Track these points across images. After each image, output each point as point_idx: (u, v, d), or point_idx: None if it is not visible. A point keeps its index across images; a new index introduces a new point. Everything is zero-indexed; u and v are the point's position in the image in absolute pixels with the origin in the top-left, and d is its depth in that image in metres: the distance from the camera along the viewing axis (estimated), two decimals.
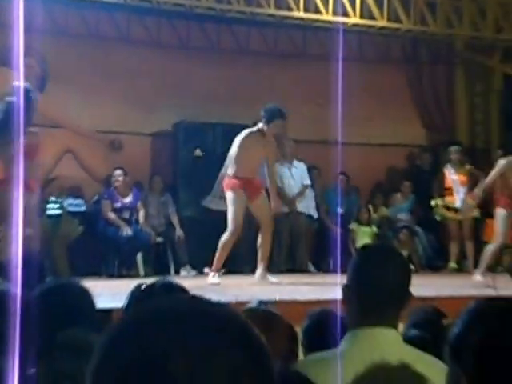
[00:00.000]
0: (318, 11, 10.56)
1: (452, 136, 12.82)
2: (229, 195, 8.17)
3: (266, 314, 3.20)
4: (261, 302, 3.32)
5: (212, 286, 7.84)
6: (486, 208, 10.05)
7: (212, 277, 8.15)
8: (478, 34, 11.77)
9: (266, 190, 8.46)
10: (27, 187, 6.37)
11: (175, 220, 10.75)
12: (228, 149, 8.22)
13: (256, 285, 8.03)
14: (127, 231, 10.12)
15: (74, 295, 3.14)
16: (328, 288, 5.80)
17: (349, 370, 2.29)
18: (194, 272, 10.27)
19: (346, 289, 2.57)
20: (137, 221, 10.37)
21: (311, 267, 10.91)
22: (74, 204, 10.40)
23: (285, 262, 10.71)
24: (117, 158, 10.63)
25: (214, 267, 8.21)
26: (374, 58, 12.63)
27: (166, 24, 11.64)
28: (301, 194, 10.96)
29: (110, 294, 6.34)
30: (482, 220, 10.91)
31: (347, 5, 10.72)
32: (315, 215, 11.23)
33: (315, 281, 8.61)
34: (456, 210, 10.70)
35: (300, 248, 11.06)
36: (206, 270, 8.34)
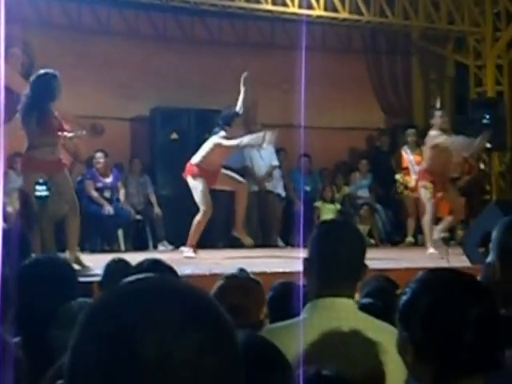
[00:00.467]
0: (285, 4, 10.54)
1: (409, 120, 12.90)
2: (190, 181, 8.18)
3: (245, 282, 3.18)
4: (241, 270, 3.31)
5: (187, 259, 7.87)
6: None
7: (187, 251, 8.17)
8: (433, 26, 11.81)
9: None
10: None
11: (153, 199, 10.75)
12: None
13: (228, 258, 8.07)
14: (109, 209, 10.11)
15: (58, 268, 3.16)
16: (294, 261, 5.83)
17: (309, 336, 2.34)
18: (170, 247, 10.27)
19: (306, 262, 2.56)
20: (118, 199, 10.36)
21: (280, 242, 10.95)
22: None
23: (255, 238, 10.74)
24: (99, 142, 10.58)
25: (188, 243, 8.24)
26: (336, 48, 12.65)
27: (143, 16, 11.59)
28: (269, 174, 10.97)
29: (93, 267, 6.37)
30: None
31: None
32: (283, 194, 11.24)
33: (283, 254, 8.61)
34: (412, 189, 10.76)
35: (269, 224, 11.10)
36: (182, 248, 8.34)
